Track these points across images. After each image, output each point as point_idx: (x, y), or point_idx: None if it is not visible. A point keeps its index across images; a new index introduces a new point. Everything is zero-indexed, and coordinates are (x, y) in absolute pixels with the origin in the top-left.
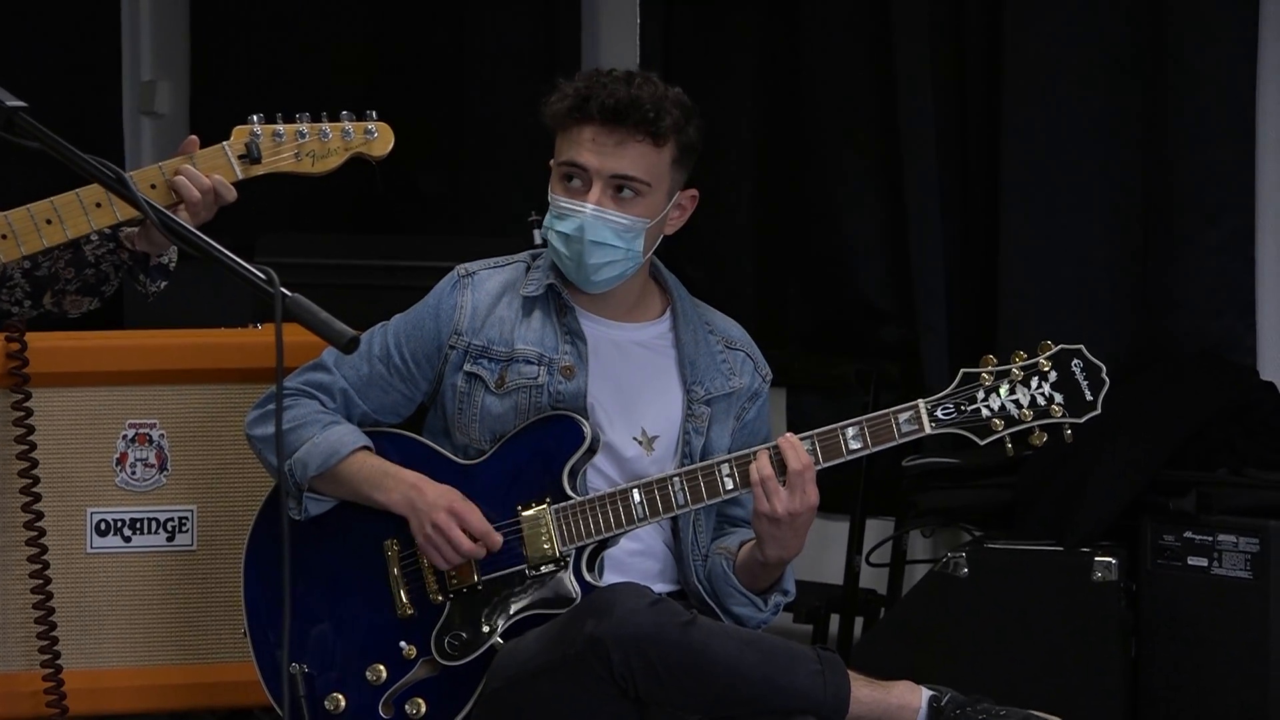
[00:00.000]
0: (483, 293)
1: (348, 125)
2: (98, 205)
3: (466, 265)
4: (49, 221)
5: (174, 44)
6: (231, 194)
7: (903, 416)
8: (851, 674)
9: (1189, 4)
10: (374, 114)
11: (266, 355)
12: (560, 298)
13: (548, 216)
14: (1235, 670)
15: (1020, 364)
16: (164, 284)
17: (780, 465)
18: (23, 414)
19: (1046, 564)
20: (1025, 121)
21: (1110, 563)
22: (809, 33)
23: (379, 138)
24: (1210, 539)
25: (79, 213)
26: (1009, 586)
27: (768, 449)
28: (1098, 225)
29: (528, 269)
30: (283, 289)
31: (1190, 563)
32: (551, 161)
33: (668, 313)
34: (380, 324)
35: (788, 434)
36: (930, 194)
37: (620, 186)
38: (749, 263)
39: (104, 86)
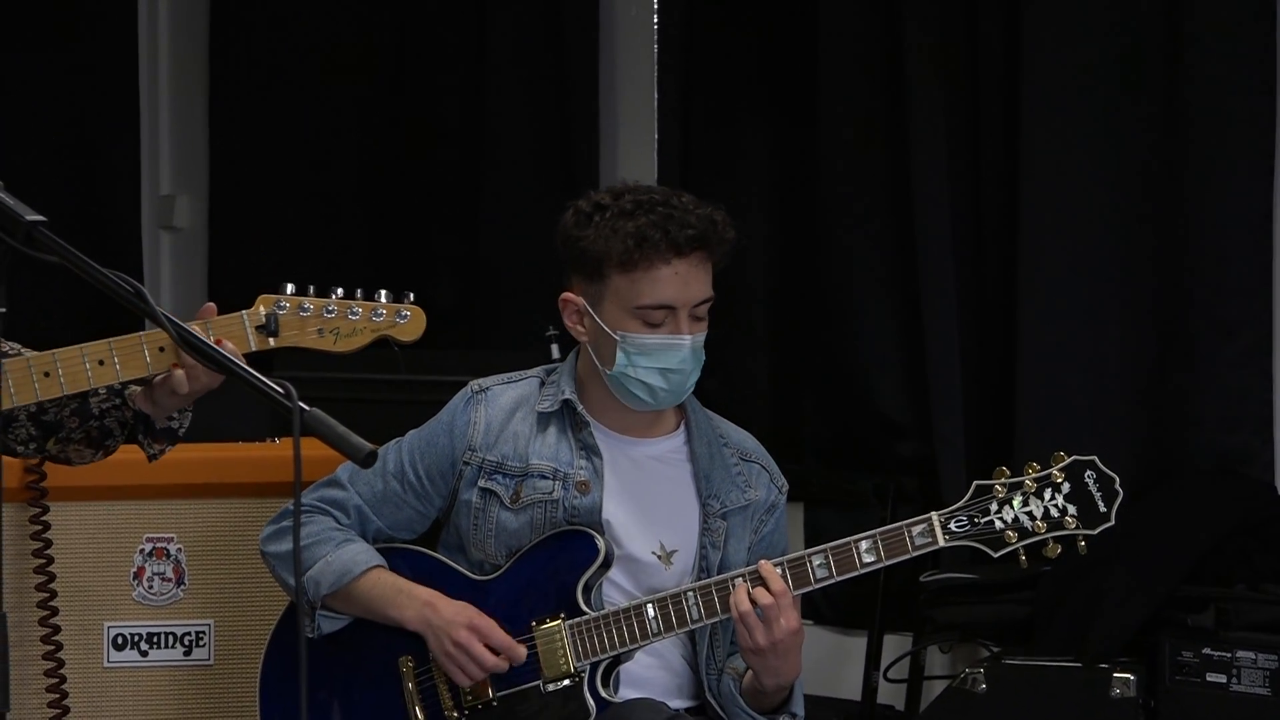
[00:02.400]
0: (496, 408)
1: (380, 307)
2: (100, 363)
3: (480, 381)
4: (47, 374)
5: (193, 159)
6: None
7: (916, 529)
8: None
9: (1207, 118)
10: (410, 295)
11: (284, 469)
12: (576, 413)
13: (621, 356)
14: None
15: (1033, 475)
16: (168, 447)
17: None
18: (40, 528)
19: (1065, 680)
20: (1042, 235)
21: (1129, 679)
22: (826, 145)
23: (410, 322)
24: (1229, 655)
25: (79, 369)
26: (1027, 703)
27: (745, 581)
28: (1114, 338)
29: (541, 384)
30: (301, 404)
31: (1209, 679)
32: (588, 299)
33: (682, 426)
34: (395, 440)
35: (762, 561)
36: (947, 308)
37: (699, 306)
38: (764, 375)
39: (123, 200)
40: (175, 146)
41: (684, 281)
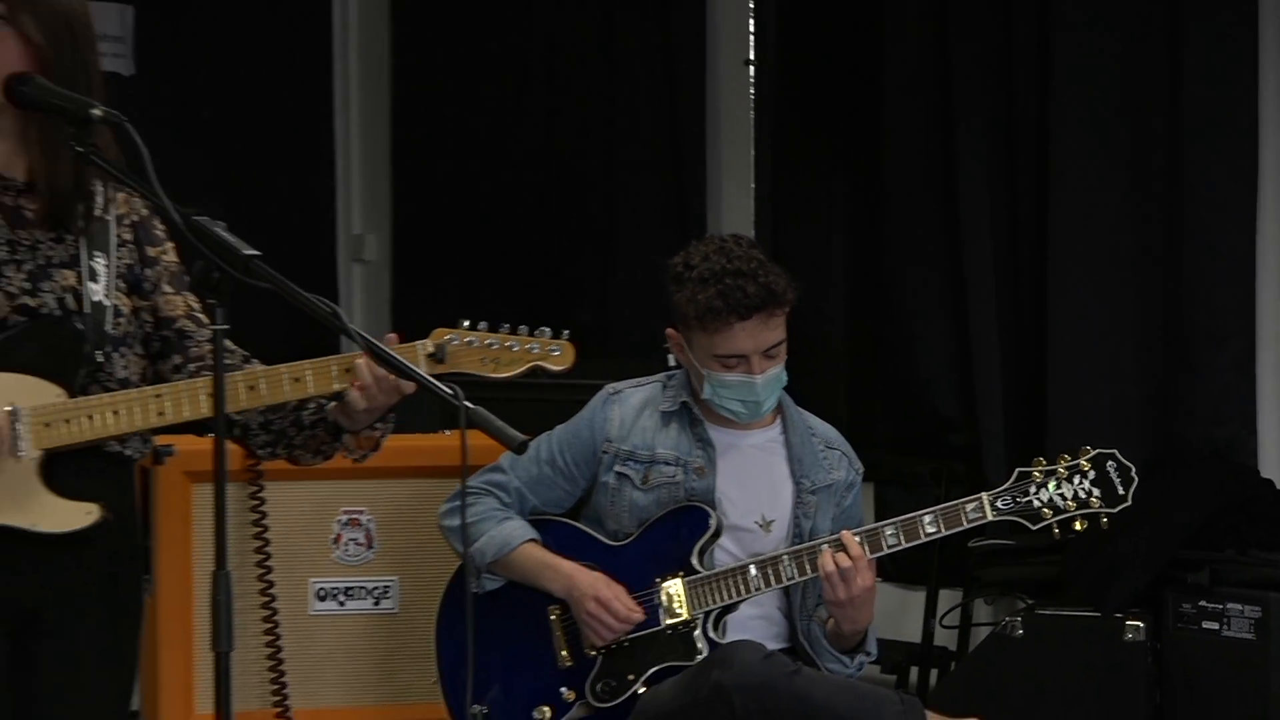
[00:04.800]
0: (628, 407)
1: (536, 342)
2: (296, 380)
3: (614, 384)
4: (252, 388)
5: (379, 203)
6: (410, 387)
7: (969, 506)
8: (928, 714)
9: (1201, 175)
10: (567, 333)
11: (454, 455)
12: (692, 413)
13: (709, 387)
14: (1242, 715)
15: (1065, 465)
16: (372, 454)
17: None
18: (257, 502)
19: (1087, 627)
20: (1067, 266)
21: (1139, 626)
22: (891, 191)
23: (561, 354)
24: (1220, 607)
25: (279, 384)
26: (1056, 645)
27: (830, 547)
28: (1127, 349)
29: (664, 387)
30: (466, 402)
31: (1204, 626)
32: (683, 341)
33: (778, 420)
34: (546, 433)
35: (845, 531)
36: (989, 324)
37: (770, 348)
38: (842, 379)
39: (321, 238)
40: (364, 191)
41: (750, 335)
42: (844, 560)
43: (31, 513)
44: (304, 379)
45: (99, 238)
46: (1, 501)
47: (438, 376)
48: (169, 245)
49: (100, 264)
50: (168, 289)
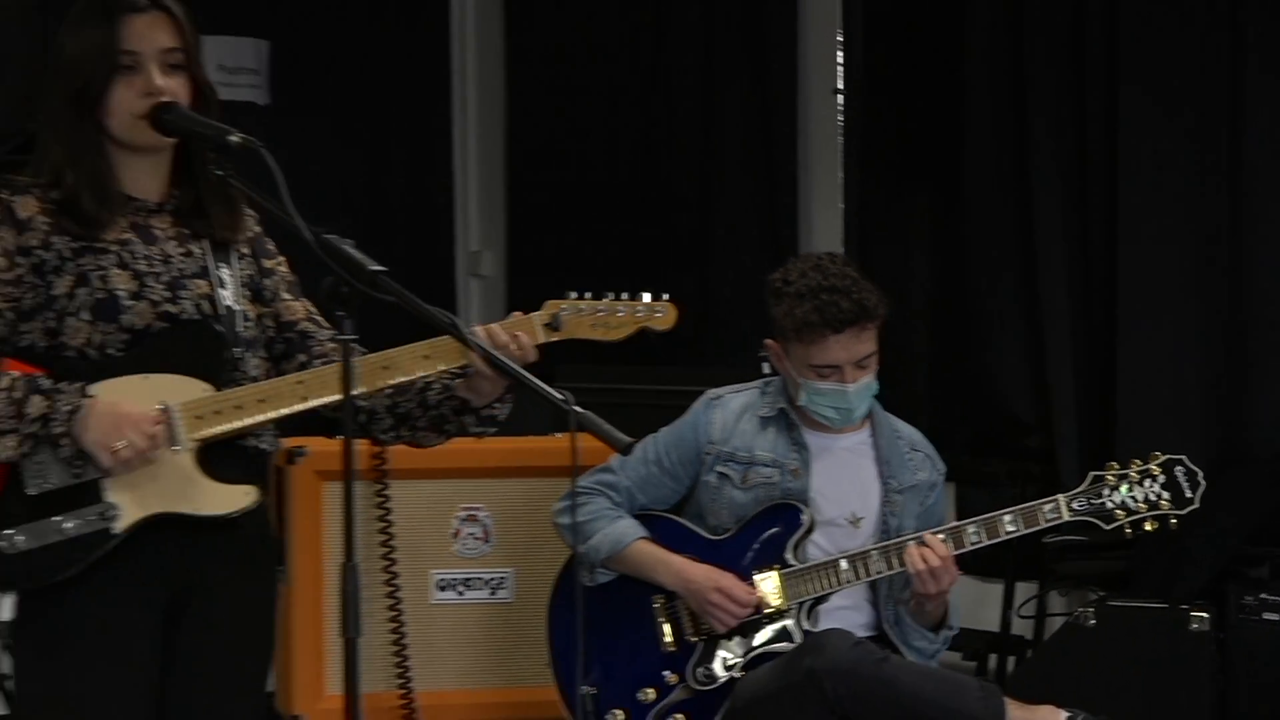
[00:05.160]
0: (728, 412)
1: (640, 305)
2: (425, 357)
3: (715, 390)
4: (385, 368)
5: (495, 221)
6: (533, 355)
7: (1047, 507)
8: (1006, 699)
9: (1262, 198)
10: (666, 296)
11: (564, 456)
12: (789, 418)
13: (805, 395)
14: None
15: (1136, 469)
16: (492, 430)
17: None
18: (383, 500)
19: (1155, 617)
20: (1137, 281)
21: (1204, 617)
22: (970, 209)
23: (664, 315)
24: None
25: (412, 361)
26: (1126, 634)
27: (918, 544)
28: (1193, 360)
29: (761, 393)
30: (577, 407)
31: (1265, 617)
32: (781, 352)
33: (868, 425)
34: (651, 435)
35: (930, 534)
36: (1063, 336)
37: (862, 359)
38: (926, 386)
39: (441, 254)
40: (481, 211)
41: (844, 347)
42: (932, 559)
43: (195, 499)
44: (433, 355)
45: (222, 251)
46: (165, 491)
47: (551, 370)
48: (281, 258)
49: (226, 274)
50: (286, 296)
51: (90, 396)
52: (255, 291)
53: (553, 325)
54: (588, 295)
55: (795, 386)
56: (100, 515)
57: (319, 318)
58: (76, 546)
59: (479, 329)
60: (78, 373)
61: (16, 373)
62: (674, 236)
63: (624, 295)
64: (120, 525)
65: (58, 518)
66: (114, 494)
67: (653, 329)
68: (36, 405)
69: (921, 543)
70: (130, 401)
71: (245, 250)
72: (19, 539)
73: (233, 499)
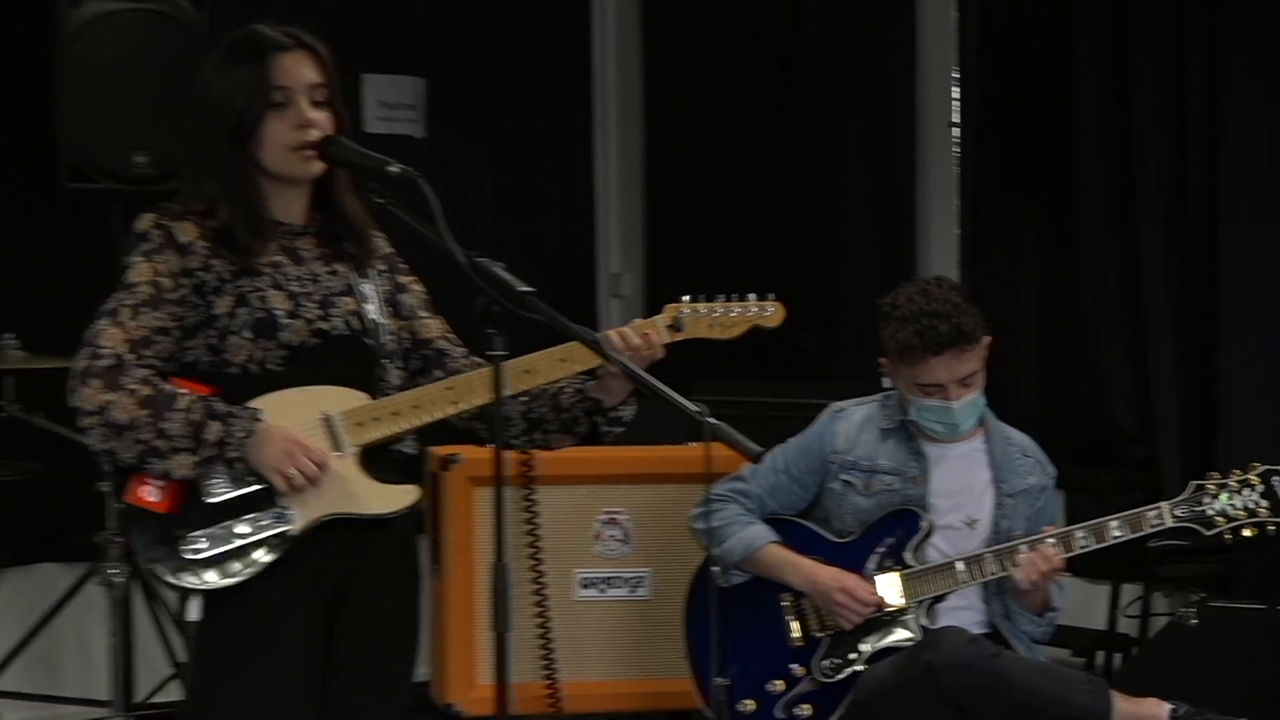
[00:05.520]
0: (851, 423)
1: (751, 305)
2: (562, 360)
3: (839, 403)
4: (527, 371)
5: (634, 246)
6: (660, 352)
7: (1151, 514)
8: (1113, 693)
9: None
10: (772, 295)
11: (699, 464)
12: (908, 429)
13: (913, 410)
14: None
15: (1236, 479)
16: (620, 430)
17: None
18: (530, 503)
19: (1254, 618)
20: (1235, 300)
21: None
22: (1078, 232)
23: (773, 314)
24: None
25: (551, 365)
26: (1226, 633)
27: (1029, 549)
28: None
29: (882, 406)
30: (710, 419)
31: None
32: (892, 370)
33: (981, 433)
34: (779, 446)
35: (1038, 539)
36: (1166, 351)
37: (965, 378)
38: (1035, 398)
39: (584, 277)
40: (621, 235)
41: (945, 368)
42: (1043, 564)
43: (362, 500)
44: (569, 358)
45: (361, 269)
46: (334, 494)
47: (687, 383)
48: (414, 276)
49: (369, 289)
50: (423, 313)
51: (262, 421)
52: (394, 307)
53: (675, 326)
54: (701, 297)
55: (906, 402)
56: (275, 519)
57: (452, 335)
58: (255, 549)
59: (611, 332)
60: (242, 387)
61: (192, 394)
62: (801, 260)
63: (734, 296)
64: (295, 528)
65: (236, 523)
66: (287, 499)
67: (764, 326)
68: (214, 430)
69: (1035, 544)
70: (300, 425)
71: (382, 267)
72: (201, 545)
73: (396, 498)
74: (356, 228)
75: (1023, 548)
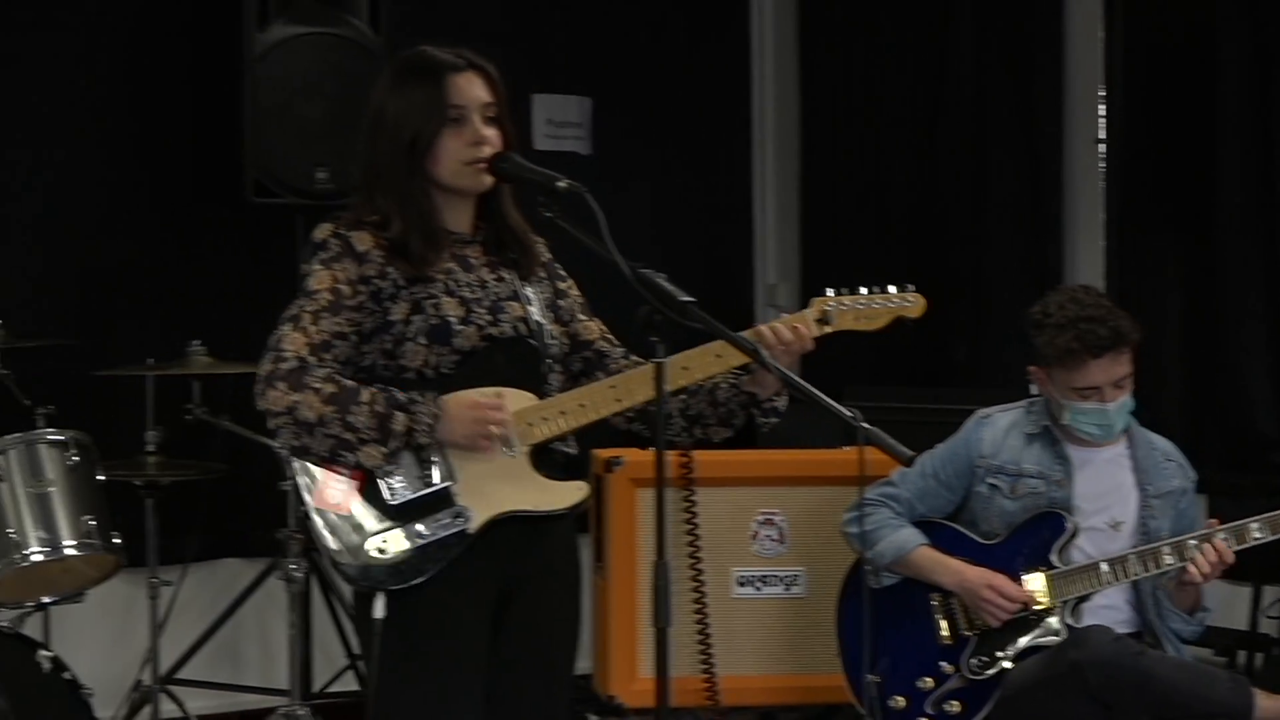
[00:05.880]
0: (997, 429)
1: (893, 297)
2: (718, 356)
3: (985, 409)
4: (685, 368)
5: (790, 256)
6: (810, 344)
7: None
8: (1255, 690)
9: None
10: (911, 287)
11: (852, 467)
12: (1052, 434)
13: (1069, 414)
14: None
15: None
16: (775, 420)
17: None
18: (690, 504)
19: None
20: None
21: None
22: (1220, 249)
23: (914, 305)
24: None
25: (707, 361)
26: None
27: (1197, 546)
28: None
29: (1027, 412)
30: (864, 423)
31: None
32: (1045, 377)
33: (1125, 438)
34: (928, 451)
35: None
36: None
37: (1119, 380)
38: (1178, 405)
39: (741, 286)
40: (777, 246)
41: (1102, 370)
42: (1203, 565)
43: (537, 497)
44: (725, 354)
45: (524, 276)
46: (509, 492)
47: (839, 389)
48: (571, 281)
49: (532, 294)
50: (582, 316)
51: (440, 402)
52: (554, 311)
53: (824, 320)
54: (844, 290)
55: (1059, 408)
56: (453, 518)
57: (611, 336)
58: (436, 549)
59: (763, 327)
60: (417, 391)
61: (374, 388)
62: (950, 272)
63: (874, 289)
64: (473, 526)
65: (417, 524)
66: (464, 498)
67: (906, 317)
68: (400, 420)
69: (1180, 545)
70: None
71: (542, 274)
72: (386, 546)
73: (569, 494)
74: (520, 236)
75: (1167, 549)
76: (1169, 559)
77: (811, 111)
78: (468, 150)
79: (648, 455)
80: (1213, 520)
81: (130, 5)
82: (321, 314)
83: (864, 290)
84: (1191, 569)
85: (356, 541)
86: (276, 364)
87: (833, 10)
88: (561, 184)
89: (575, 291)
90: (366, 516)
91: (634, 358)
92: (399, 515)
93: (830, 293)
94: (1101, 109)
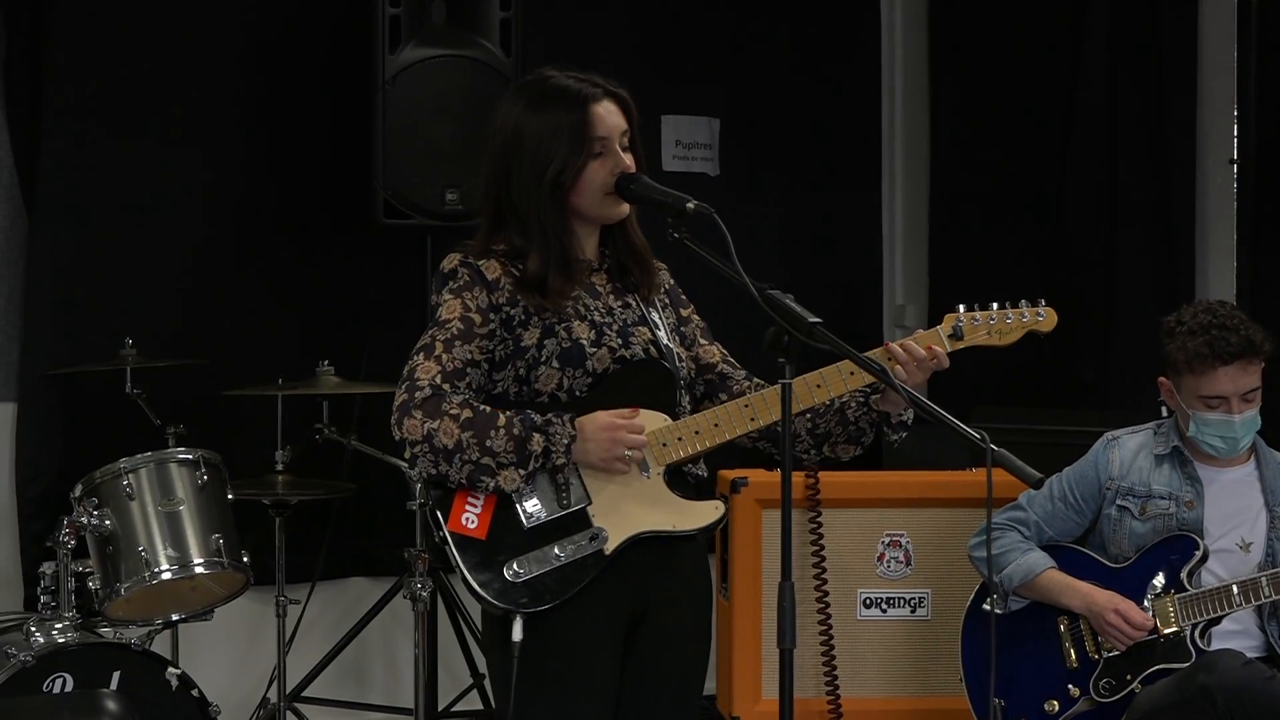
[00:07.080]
0: (1126, 451)
1: (1025, 311)
2: (851, 373)
3: (1113, 431)
4: (818, 386)
5: (918, 278)
6: (944, 362)
7: None
8: None
9: None
10: (1043, 301)
11: (979, 489)
12: (1182, 454)
13: (1194, 425)
14: None
15: None
16: (904, 435)
17: None
18: (816, 525)
19: None
20: None
21: None
22: None
23: (1046, 319)
24: None
25: (839, 378)
26: None
27: None
28: None
29: (1154, 433)
30: (992, 445)
31: None
32: (1174, 384)
33: (1253, 458)
34: (1056, 474)
35: None
36: None
37: (1248, 392)
38: None
39: (870, 308)
40: (906, 268)
41: (1231, 380)
42: None
43: (674, 517)
44: (857, 371)
45: (648, 301)
46: (645, 513)
47: (967, 410)
48: (692, 306)
49: (658, 318)
50: (703, 341)
51: (575, 421)
52: (679, 336)
53: (955, 335)
54: (976, 306)
55: (1185, 419)
56: (589, 540)
57: (731, 359)
58: (573, 570)
59: (895, 345)
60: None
61: (509, 411)
62: (1080, 293)
63: (1007, 304)
64: (609, 547)
65: (554, 546)
66: (600, 519)
67: (1039, 331)
68: (537, 442)
69: None
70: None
71: (665, 300)
72: (522, 569)
73: (705, 514)
74: (642, 259)
75: None
76: None
77: (941, 131)
78: (611, 180)
79: (773, 476)
80: None
81: (264, 29)
82: (454, 342)
83: (995, 305)
84: None
85: (494, 566)
86: (411, 393)
87: (963, 30)
88: (691, 205)
89: (696, 317)
90: (503, 540)
91: (756, 380)
92: (536, 538)
93: (961, 309)
94: (1235, 129)
